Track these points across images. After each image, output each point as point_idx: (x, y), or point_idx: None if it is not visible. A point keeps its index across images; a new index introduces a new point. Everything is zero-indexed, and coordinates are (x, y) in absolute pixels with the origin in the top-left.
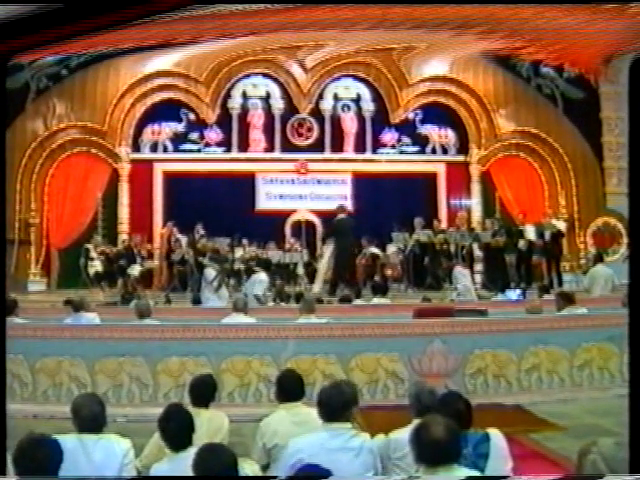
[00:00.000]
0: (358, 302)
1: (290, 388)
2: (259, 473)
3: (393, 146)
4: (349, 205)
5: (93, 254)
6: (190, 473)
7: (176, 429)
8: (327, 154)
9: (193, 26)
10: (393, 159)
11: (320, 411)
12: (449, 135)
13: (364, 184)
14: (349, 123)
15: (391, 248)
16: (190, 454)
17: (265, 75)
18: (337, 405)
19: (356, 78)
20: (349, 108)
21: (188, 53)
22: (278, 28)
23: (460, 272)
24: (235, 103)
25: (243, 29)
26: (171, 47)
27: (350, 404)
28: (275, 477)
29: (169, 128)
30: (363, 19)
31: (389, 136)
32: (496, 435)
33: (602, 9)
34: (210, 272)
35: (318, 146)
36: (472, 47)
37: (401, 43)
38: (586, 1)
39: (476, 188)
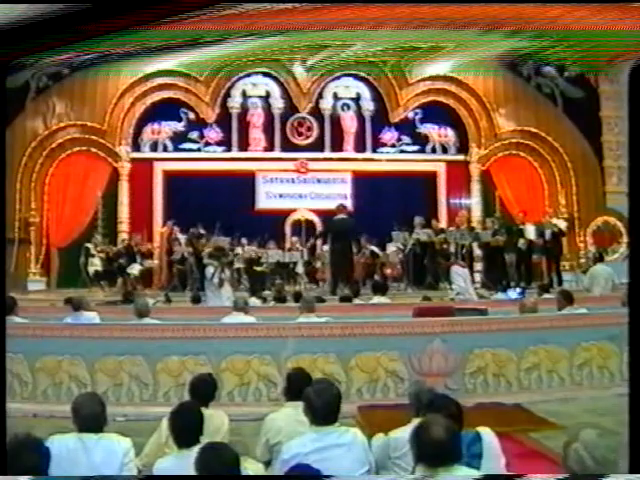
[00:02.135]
0: (358, 301)
1: (299, 387)
2: (261, 472)
3: (393, 145)
4: (349, 204)
5: (93, 253)
6: (194, 471)
7: (185, 426)
8: (327, 153)
9: (220, 26)
10: (393, 158)
11: (313, 415)
12: (449, 134)
13: (364, 183)
14: (349, 122)
15: (391, 247)
16: (195, 452)
17: (265, 74)
18: (333, 409)
19: (356, 77)
20: (349, 107)
21: (207, 53)
22: (305, 27)
23: (456, 272)
24: (235, 102)
25: (271, 29)
26: (198, 47)
27: (340, 405)
28: (276, 476)
29: (169, 127)
30: (391, 18)
31: (389, 135)
32: (487, 434)
33: (630, 8)
34: (209, 270)
35: (318, 145)
36: (497, 47)
37: (428, 42)
38: (615, 0)
39: (476, 187)
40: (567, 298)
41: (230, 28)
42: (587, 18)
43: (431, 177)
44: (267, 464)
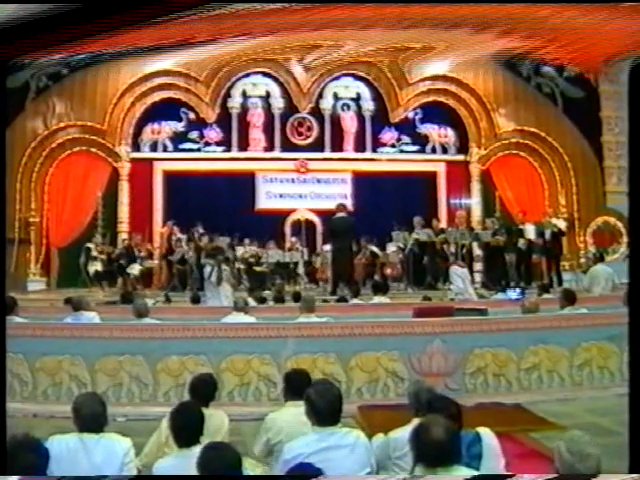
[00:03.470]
0: (356, 301)
1: (298, 387)
2: (262, 473)
3: (393, 145)
4: (349, 204)
5: (94, 253)
6: (195, 470)
7: (185, 425)
8: (327, 153)
9: (211, 25)
10: (393, 158)
11: (316, 416)
12: (449, 134)
13: (364, 183)
14: (349, 122)
15: (391, 247)
16: (196, 452)
17: (265, 74)
18: (336, 409)
19: (356, 77)
20: (349, 107)
21: (200, 53)
22: (295, 27)
23: (455, 272)
24: (235, 102)
25: (261, 28)
26: (190, 47)
27: (342, 406)
28: (275, 477)
29: (169, 127)
30: (381, 18)
31: (389, 135)
32: (487, 435)
33: (620, 8)
34: (207, 269)
35: (318, 145)
36: (490, 47)
37: (420, 42)
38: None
39: (476, 187)
40: (568, 298)
41: (220, 28)
42: (577, 18)
43: (431, 177)
44: (265, 463)
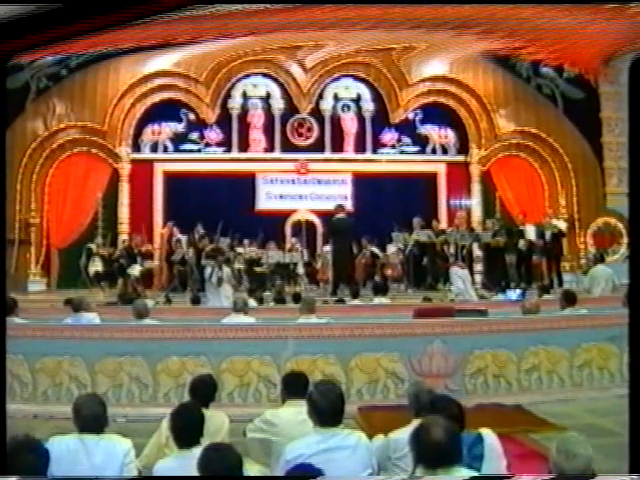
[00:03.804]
0: (355, 302)
1: (297, 389)
2: (262, 473)
3: (393, 146)
4: (349, 205)
5: (95, 253)
6: (195, 471)
7: (185, 426)
8: (327, 154)
9: (193, 26)
10: (393, 159)
11: (318, 417)
12: (449, 135)
13: (364, 184)
14: (349, 123)
15: (391, 248)
16: (196, 453)
17: (265, 75)
18: (338, 409)
19: (356, 78)
20: (349, 108)
21: (188, 53)
22: (277, 28)
23: (455, 273)
24: (235, 103)
25: (243, 29)
26: (171, 47)
27: (344, 406)
28: (276, 477)
29: (169, 128)
30: (363, 19)
31: (389, 136)
32: (489, 435)
33: (602, 9)
34: (207, 270)
35: (318, 146)
36: (472, 47)
37: (401, 43)
38: (586, 1)
39: (476, 188)
40: (569, 299)
41: (202, 29)
42: (559, 19)
43: (431, 178)
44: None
